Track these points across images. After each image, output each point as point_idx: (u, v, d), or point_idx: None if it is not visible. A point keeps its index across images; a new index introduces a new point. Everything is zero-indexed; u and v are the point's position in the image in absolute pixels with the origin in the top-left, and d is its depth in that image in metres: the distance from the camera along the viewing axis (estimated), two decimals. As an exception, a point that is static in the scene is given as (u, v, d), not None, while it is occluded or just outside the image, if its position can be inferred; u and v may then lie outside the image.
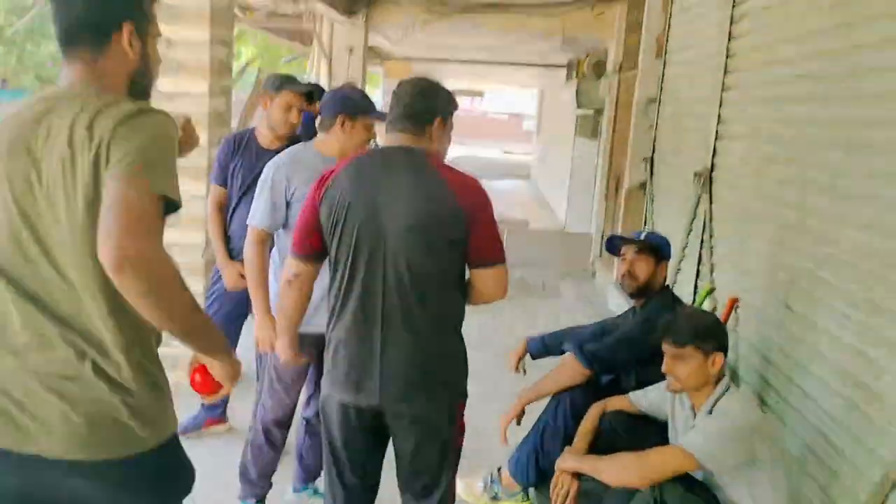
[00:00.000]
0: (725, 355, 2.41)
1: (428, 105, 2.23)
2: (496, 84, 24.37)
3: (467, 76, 18.51)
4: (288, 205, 2.77)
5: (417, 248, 2.11)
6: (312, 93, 3.41)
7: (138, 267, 1.35)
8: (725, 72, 4.04)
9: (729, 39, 4.02)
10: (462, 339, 2.27)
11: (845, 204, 2.68)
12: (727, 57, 4.03)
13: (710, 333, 2.39)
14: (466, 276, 2.23)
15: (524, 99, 28.29)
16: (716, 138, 4.09)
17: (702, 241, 4.16)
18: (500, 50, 8.98)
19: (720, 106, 4.07)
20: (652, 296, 3.08)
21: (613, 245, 3.20)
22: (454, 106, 2.31)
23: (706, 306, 3.88)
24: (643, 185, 6.42)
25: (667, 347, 2.41)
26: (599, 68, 8.65)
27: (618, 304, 6.36)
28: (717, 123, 4.08)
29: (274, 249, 2.91)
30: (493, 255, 2.17)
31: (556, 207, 13.08)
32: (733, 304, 3.52)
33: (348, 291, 2.17)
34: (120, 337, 1.49)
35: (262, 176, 2.82)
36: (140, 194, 1.40)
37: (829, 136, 2.85)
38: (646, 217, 5.62)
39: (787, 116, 3.26)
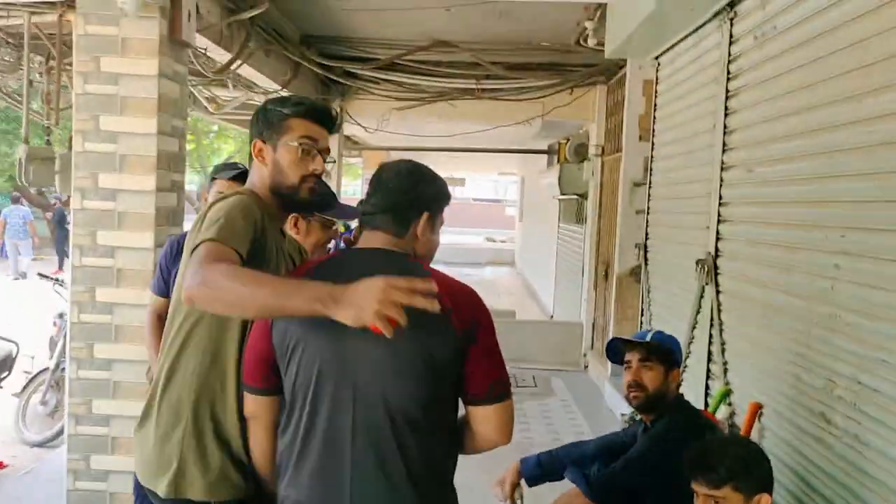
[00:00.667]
0: (771, 495, 1.93)
1: (414, 196, 1.78)
2: (476, 172, 24.39)
3: (447, 164, 18.43)
4: (227, 319, 2.32)
5: (398, 382, 1.64)
6: (246, 174, 3.03)
7: (200, 292, 1.57)
8: (724, 149, 3.69)
9: (726, 114, 3.69)
10: (455, 495, 1.77)
11: (891, 296, 2.26)
12: (725, 133, 3.69)
13: (751, 470, 1.92)
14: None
15: (506, 184, 28.33)
16: (719, 221, 3.70)
17: (710, 337, 3.71)
18: (480, 137, 8.73)
19: (721, 186, 3.70)
20: (665, 409, 2.62)
21: (615, 350, 2.74)
22: (446, 198, 1.86)
23: (722, 412, 3.41)
24: (634, 272, 6.05)
25: (698, 488, 1.94)
26: (582, 152, 8.40)
27: (615, 402, 5.87)
28: (719, 205, 3.70)
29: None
30: (496, 387, 1.69)
31: (543, 296, 12.67)
32: (756, 410, 3.05)
33: (307, 440, 1.69)
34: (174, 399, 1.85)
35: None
36: (202, 245, 1.66)
37: (857, 216, 2.47)
38: (642, 308, 5.20)
39: (802, 195, 2.88)
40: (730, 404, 3.42)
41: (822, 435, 2.56)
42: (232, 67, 5.14)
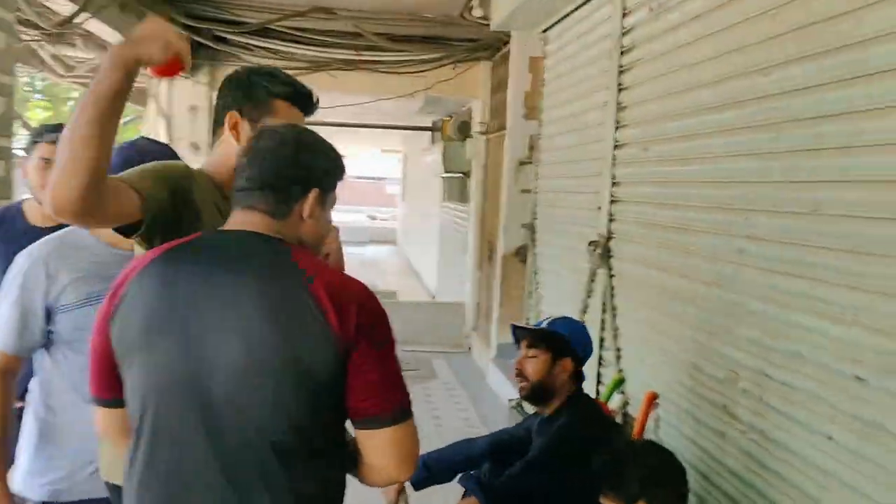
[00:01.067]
0: (686, 508, 1.75)
1: (300, 170, 1.41)
2: (358, 147, 23.87)
3: (328, 140, 17.85)
4: (49, 314, 1.90)
5: (260, 399, 1.28)
6: None
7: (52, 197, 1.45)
8: (617, 127, 3.52)
9: (619, 90, 3.52)
10: None
11: (798, 283, 2.13)
12: (618, 110, 3.53)
13: (664, 482, 1.73)
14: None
15: (386, 162, 27.94)
16: (611, 202, 3.54)
17: (603, 322, 3.56)
18: (362, 113, 8.37)
19: (614, 165, 3.54)
20: (564, 404, 2.42)
21: (516, 337, 2.53)
22: (341, 171, 1.49)
23: (616, 401, 3.26)
24: (519, 252, 5.90)
25: (609, 503, 1.72)
26: (465, 129, 8.20)
27: (499, 384, 5.71)
28: (612, 185, 3.54)
29: (32, 381, 2.01)
30: (388, 406, 1.34)
31: (426, 275, 12.48)
32: (652, 400, 2.91)
33: (149, 466, 1.34)
34: None
35: (11, 271, 1.94)
36: None
37: (761, 197, 2.33)
38: (529, 291, 5.03)
39: (702, 175, 2.73)
40: (623, 392, 3.28)
41: (724, 429, 2.43)
42: (77, 21, 4.52)
